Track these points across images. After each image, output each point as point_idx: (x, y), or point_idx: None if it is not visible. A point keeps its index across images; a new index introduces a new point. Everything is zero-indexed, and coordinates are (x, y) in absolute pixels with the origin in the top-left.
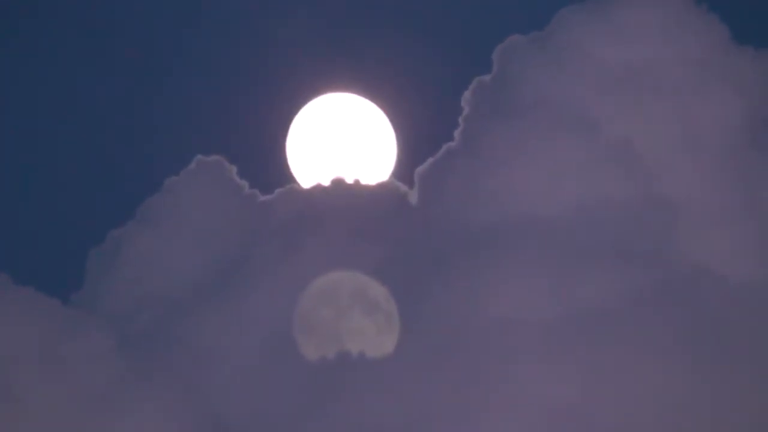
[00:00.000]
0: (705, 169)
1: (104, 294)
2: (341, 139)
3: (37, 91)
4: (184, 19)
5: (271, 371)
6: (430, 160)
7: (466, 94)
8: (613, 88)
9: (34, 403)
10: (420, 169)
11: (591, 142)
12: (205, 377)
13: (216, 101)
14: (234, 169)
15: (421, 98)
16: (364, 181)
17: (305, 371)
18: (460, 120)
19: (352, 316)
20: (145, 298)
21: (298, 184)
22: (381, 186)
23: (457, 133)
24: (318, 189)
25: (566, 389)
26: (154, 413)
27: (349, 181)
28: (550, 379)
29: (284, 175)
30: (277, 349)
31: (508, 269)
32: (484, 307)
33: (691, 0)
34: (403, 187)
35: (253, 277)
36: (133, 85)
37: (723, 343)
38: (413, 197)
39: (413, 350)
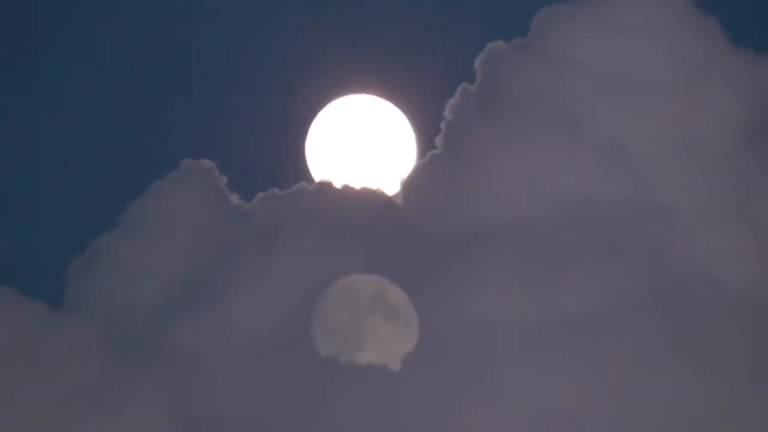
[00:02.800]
0: (699, 171)
1: (88, 299)
2: (357, 143)
3: (20, 93)
4: (190, 21)
5: (252, 372)
6: (415, 164)
7: (451, 102)
8: (602, 90)
9: (18, 402)
10: (404, 174)
11: (579, 145)
12: (189, 378)
13: (210, 106)
14: (224, 179)
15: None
16: (349, 184)
17: (287, 372)
18: (442, 126)
19: (371, 320)
20: (128, 304)
21: (279, 189)
22: (366, 190)
23: (438, 139)
24: (301, 192)
25: (550, 394)
26: (137, 413)
27: (336, 184)
28: (533, 382)
29: (277, 180)
30: (258, 351)
31: (492, 272)
32: (467, 309)
33: (690, 1)
34: (389, 191)
35: (236, 280)
36: (135, 87)
37: (717, 348)
38: (398, 201)
39: None
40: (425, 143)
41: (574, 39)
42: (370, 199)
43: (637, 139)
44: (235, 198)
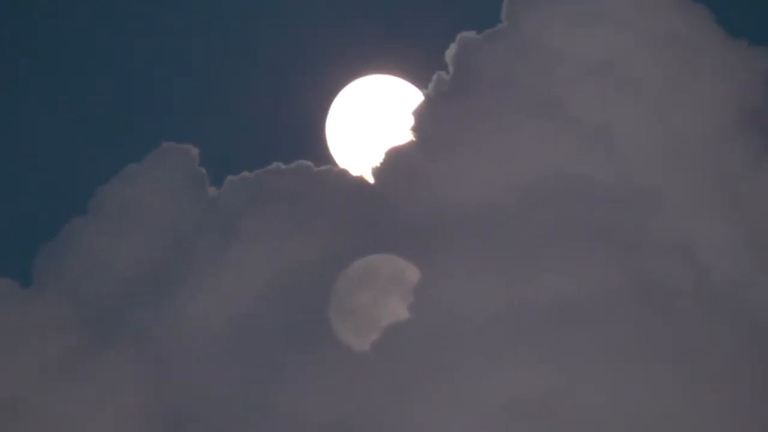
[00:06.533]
0: (686, 158)
1: (56, 281)
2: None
3: None
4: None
5: (216, 352)
6: (386, 148)
7: (426, 91)
8: (582, 77)
9: None
10: (374, 158)
11: (556, 130)
12: (156, 355)
13: (204, 91)
14: (204, 170)
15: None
16: (318, 167)
17: (253, 351)
18: (413, 112)
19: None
20: (95, 286)
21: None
22: (336, 172)
23: (412, 126)
24: (270, 175)
25: (522, 385)
26: (106, 384)
27: (307, 166)
28: (504, 373)
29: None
30: (221, 334)
31: (465, 258)
32: (438, 296)
33: None
34: (357, 174)
35: (203, 264)
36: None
37: (700, 340)
38: (372, 186)
39: None
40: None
41: (552, 26)
42: (342, 182)
43: (619, 126)
44: (213, 190)
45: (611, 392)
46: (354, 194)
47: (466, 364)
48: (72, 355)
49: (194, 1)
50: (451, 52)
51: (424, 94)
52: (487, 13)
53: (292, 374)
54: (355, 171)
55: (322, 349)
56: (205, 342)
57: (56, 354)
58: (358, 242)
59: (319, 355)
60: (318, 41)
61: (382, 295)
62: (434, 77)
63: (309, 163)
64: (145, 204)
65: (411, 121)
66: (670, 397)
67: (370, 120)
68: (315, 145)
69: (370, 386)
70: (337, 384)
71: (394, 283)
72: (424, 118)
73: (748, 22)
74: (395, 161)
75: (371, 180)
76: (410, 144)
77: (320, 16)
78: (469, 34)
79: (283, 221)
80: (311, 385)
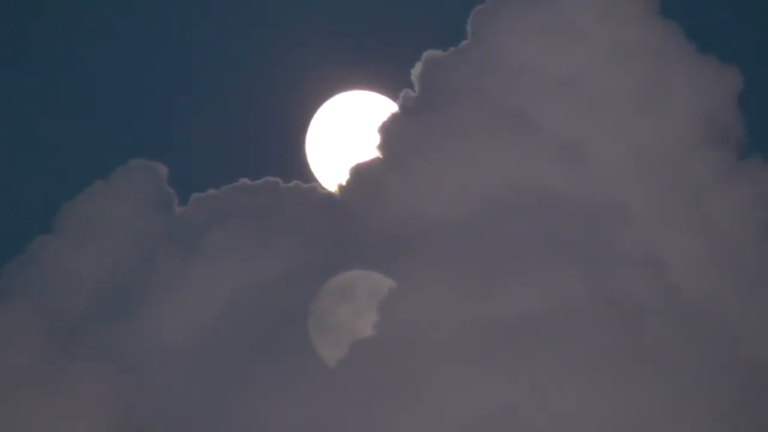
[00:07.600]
0: (655, 172)
1: (24, 297)
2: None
3: None
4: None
5: (183, 365)
6: (353, 164)
7: (393, 108)
8: (549, 91)
9: None
10: (343, 174)
11: (522, 145)
12: (121, 370)
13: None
14: (172, 191)
15: None
16: (286, 183)
17: (220, 365)
18: (378, 130)
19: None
20: (60, 302)
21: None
22: (303, 188)
23: (379, 143)
24: (236, 191)
25: (482, 399)
26: (73, 397)
27: (274, 182)
28: (465, 386)
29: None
30: (187, 348)
31: (429, 272)
32: (402, 310)
33: (654, 8)
34: (325, 190)
35: (168, 280)
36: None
37: (669, 357)
38: (336, 200)
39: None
40: None
41: (517, 42)
42: (310, 197)
43: (586, 140)
44: (179, 208)
45: (577, 407)
46: (320, 210)
47: (432, 377)
48: (38, 367)
49: (164, 22)
50: (416, 70)
51: (395, 110)
52: (453, 31)
53: (258, 388)
54: (323, 187)
55: (288, 363)
56: (171, 356)
57: (22, 366)
58: (325, 257)
59: (285, 369)
60: (291, 60)
61: (358, 309)
62: (401, 94)
63: (276, 179)
64: (112, 220)
65: (378, 137)
66: (638, 412)
67: (348, 135)
68: (292, 162)
69: (335, 399)
70: (303, 397)
71: (371, 299)
72: (391, 134)
73: (718, 38)
74: (362, 177)
75: (339, 196)
76: (377, 160)
77: (293, 36)
78: (435, 52)
79: (249, 237)
80: (277, 398)
